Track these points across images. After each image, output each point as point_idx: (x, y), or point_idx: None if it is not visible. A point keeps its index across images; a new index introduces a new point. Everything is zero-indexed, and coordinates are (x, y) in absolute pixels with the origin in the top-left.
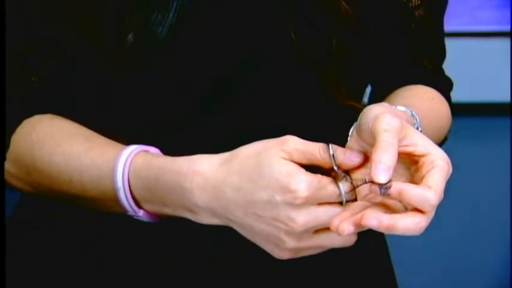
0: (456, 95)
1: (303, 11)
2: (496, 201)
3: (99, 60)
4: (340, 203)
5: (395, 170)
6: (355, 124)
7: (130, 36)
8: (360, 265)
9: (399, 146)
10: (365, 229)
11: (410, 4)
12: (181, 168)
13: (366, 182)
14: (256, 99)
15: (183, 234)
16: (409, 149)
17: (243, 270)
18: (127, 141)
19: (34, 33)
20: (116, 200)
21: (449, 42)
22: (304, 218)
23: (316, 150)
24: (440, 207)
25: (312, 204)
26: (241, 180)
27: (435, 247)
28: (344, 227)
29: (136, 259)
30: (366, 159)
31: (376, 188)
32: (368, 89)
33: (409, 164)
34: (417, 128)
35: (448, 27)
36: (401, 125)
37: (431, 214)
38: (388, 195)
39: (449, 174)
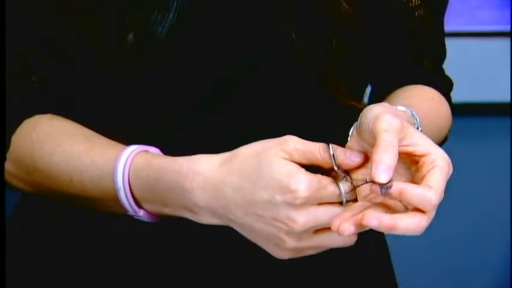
0: (456, 95)
1: (303, 11)
2: (496, 201)
3: (99, 60)
4: (340, 203)
5: (395, 170)
6: (355, 124)
7: (130, 36)
8: (360, 265)
9: (399, 146)
10: (366, 229)
11: (410, 4)
12: (181, 168)
13: (366, 182)
14: (256, 99)
15: (183, 234)
16: (410, 149)
17: (243, 270)
18: (127, 141)
19: (34, 33)
20: (116, 200)
21: (449, 42)
22: (304, 218)
23: (316, 150)
24: (441, 207)
25: (312, 204)
26: (242, 180)
27: (435, 247)
28: (345, 227)
29: (137, 259)
30: (366, 159)
31: (376, 188)
32: (368, 89)
33: (410, 164)
34: (417, 128)
35: (448, 27)
36: (401, 125)
37: (431, 214)
38: (389, 195)
39: (450, 174)
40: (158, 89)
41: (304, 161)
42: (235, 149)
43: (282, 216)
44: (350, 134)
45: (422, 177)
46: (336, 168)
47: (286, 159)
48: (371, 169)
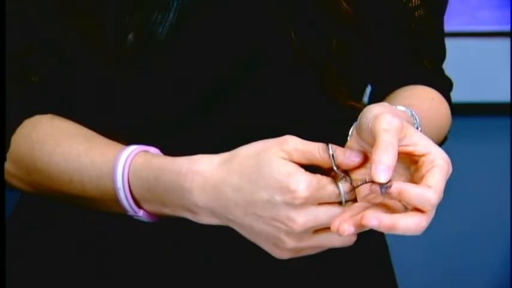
0: (456, 95)
1: (303, 11)
2: (496, 201)
3: (99, 60)
4: (340, 203)
5: (395, 170)
6: (355, 124)
7: (130, 36)
8: (360, 265)
9: (399, 146)
10: (366, 229)
11: (410, 4)
12: (181, 168)
13: (366, 182)
14: (256, 99)
15: (183, 234)
16: (409, 149)
17: (243, 270)
18: (127, 141)
19: (34, 33)
20: (116, 200)
21: (449, 42)
22: (303, 218)
23: (315, 150)
24: (440, 207)
25: (312, 204)
26: (241, 180)
27: (435, 247)
28: (344, 228)
29: (137, 259)
30: (366, 159)
31: (376, 188)
32: (368, 89)
33: (409, 163)
34: (417, 128)
35: (448, 27)
36: (401, 124)
37: (431, 214)
38: (388, 195)
39: (449, 173)
40: (158, 89)
41: (304, 161)
42: (235, 149)
43: (282, 216)
44: (350, 133)
45: (422, 177)
46: (335, 168)
47: (285, 159)
48: (370, 169)
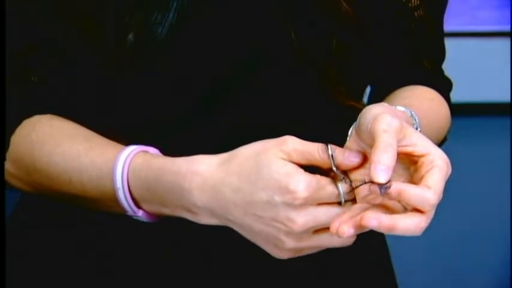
0: (456, 95)
1: (303, 11)
2: (496, 201)
3: (99, 60)
4: (339, 203)
5: (394, 170)
6: (354, 124)
7: (130, 36)
8: (360, 265)
9: (398, 146)
10: (365, 230)
11: (410, 4)
12: (180, 168)
13: (365, 183)
14: (256, 99)
15: (183, 234)
16: (409, 149)
17: (243, 270)
18: (127, 141)
19: (34, 33)
20: (115, 200)
21: (449, 42)
22: (303, 218)
23: (315, 151)
24: (440, 207)
25: (311, 204)
26: (240, 181)
27: (435, 247)
28: (344, 229)
29: (136, 259)
30: (365, 159)
31: (375, 188)
32: (368, 89)
33: (408, 164)
34: (416, 128)
35: (448, 27)
36: (400, 125)
37: (430, 214)
38: (388, 196)
39: (449, 174)
40: (158, 89)
41: (303, 162)
42: (234, 150)
43: (281, 217)
44: (349, 134)
45: (421, 178)
46: (334, 168)
47: (285, 159)
48: (370, 169)
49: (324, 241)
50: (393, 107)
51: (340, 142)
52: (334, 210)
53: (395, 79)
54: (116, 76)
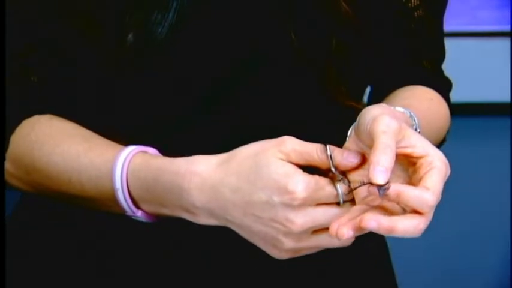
0: (456, 95)
1: (303, 11)
2: (496, 201)
3: (99, 60)
4: (338, 204)
5: (393, 172)
6: (353, 125)
7: (130, 36)
8: (360, 265)
9: (397, 148)
10: (364, 232)
11: (409, 4)
12: (179, 168)
13: (364, 184)
14: (256, 99)
15: (183, 234)
16: (407, 151)
17: (243, 270)
18: (127, 141)
19: (34, 33)
20: (115, 200)
21: (449, 42)
22: (302, 219)
23: (313, 151)
24: (440, 208)
25: (310, 205)
26: (239, 181)
27: (435, 247)
28: (343, 232)
29: (136, 259)
30: (363, 160)
31: (374, 190)
32: (368, 89)
33: (407, 165)
34: (415, 129)
35: (448, 27)
36: (399, 126)
37: (429, 216)
38: (387, 197)
39: (447, 175)
40: (158, 89)
41: (302, 162)
42: (233, 150)
43: (280, 217)
44: (348, 134)
45: (420, 179)
46: (333, 169)
47: (283, 160)
48: (368, 170)
49: (323, 241)
50: (392, 107)
51: (340, 142)
52: (332, 210)
53: (395, 79)
54: (116, 76)
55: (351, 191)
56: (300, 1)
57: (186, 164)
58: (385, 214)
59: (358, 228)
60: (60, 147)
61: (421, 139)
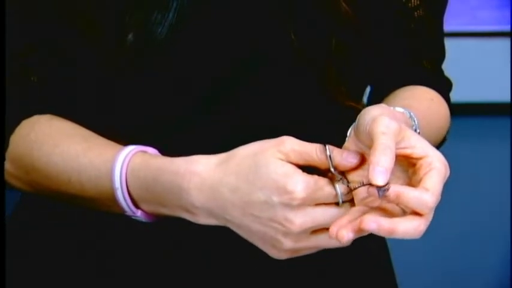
0: (456, 95)
1: (303, 11)
2: (496, 202)
3: (99, 60)
4: (337, 204)
5: (392, 173)
6: (353, 125)
7: (130, 36)
8: (360, 266)
9: (397, 149)
10: (364, 234)
11: (409, 4)
12: (179, 168)
13: (363, 185)
14: (256, 99)
15: (182, 234)
16: (407, 152)
17: (243, 270)
18: (127, 141)
19: (34, 33)
20: (114, 200)
21: (449, 42)
22: (301, 219)
23: (313, 151)
24: (440, 208)
25: (309, 205)
26: (238, 181)
27: (435, 248)
28: (343, 234)
29: (136, 259)
30: (363, 160)
31: (374, 191)
32: (368, 89)
33: (407, 166)
34: (415, 130)
35: (448, 27)
36: (399, 127)
37: (429, 217)
38: (386, 198)
39: (447, 176)
40: (158, 89)
41: (301, 162)
42: (233, 150)
43: (279, 217)
44: (347, 135)
45: (420, 180)
46: (332, 169)
47: (283, 160)
48: (368, 171)
49: (322, 241)
50: (392, 108)
51: (340, 142)
52: (332, 210)
53: (395, 79)
54: (116, 76)
55: (350, 191)
56: (300, 1)
57: (186, 163)
58: (384, 215)
59: (358, 230)
60: (59, 147)
61: (420, 140)
